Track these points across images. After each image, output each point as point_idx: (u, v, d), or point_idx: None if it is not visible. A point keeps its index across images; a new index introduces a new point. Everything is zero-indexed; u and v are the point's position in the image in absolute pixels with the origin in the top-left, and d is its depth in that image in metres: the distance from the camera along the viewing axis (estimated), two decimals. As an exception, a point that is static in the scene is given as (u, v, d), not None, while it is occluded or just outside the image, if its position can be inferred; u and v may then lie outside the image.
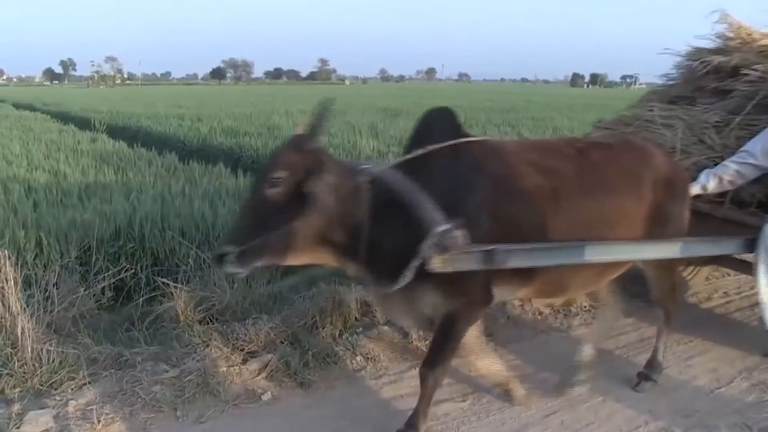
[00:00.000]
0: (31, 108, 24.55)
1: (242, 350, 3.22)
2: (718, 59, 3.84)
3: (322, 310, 3.56)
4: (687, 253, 2.85)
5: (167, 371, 3.00)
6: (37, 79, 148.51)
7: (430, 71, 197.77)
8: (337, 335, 3.46)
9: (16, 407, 2.68)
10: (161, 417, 2.75)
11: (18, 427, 2.57)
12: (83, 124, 16.05)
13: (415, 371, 2.86)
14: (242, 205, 2.75)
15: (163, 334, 3.38)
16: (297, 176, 2.12)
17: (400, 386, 3.08)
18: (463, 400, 2.98)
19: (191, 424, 2.74)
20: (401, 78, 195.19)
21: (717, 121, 3.57)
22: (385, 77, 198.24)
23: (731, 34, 3.90)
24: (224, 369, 3.05)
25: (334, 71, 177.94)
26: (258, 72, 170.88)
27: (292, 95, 37.09)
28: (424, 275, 2.22)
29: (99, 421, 2.65)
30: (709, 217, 3.28)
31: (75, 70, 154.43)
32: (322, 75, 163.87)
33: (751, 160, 3.13)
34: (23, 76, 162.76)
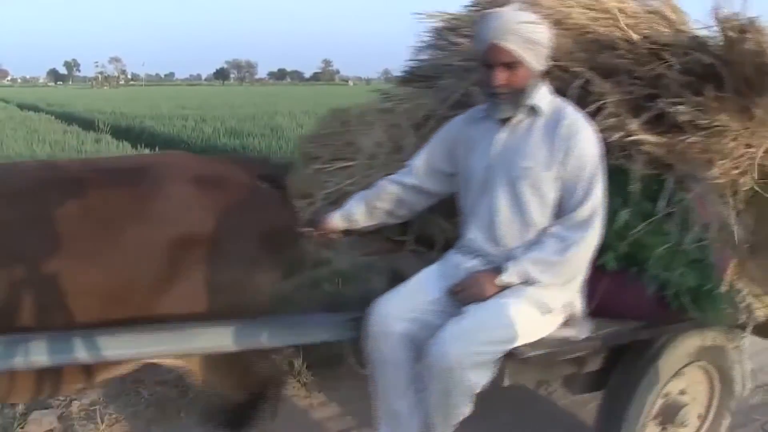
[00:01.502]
0: (36, 109, 24.65)
1: (245, 351, 3.21)
2: (456, 23, 2.68)
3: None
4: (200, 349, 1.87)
5: (171, 372, 3.00)
6: (41, 80, 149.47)
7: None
8: (340, 336, 3.45)
9: (20, 407, 2.68)
10: (164, 417, 2.76)
11: (22, 427, 2.58)
12: (87, 124, 16.11)
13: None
14: None
15: (167, 334, 3.38)
16: None
17: (404, 387, 3.07)
18: (467, 401, 2.96)
19: (194, 424, 2.73)
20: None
21: (423, 116, 2.45)
22: (388, 78, 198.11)
23: None
24: (228, 369, 3.05)
25: (338, 72, 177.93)
26: (261, 73, 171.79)
27: (295, 96, 37.09)
28: None
29: (102, 421, 2.66)
30: None
31: (79, 71, 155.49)
32: (325, 76, 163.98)
33: (410, 180, 2.00)
34: (28, 76, 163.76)
